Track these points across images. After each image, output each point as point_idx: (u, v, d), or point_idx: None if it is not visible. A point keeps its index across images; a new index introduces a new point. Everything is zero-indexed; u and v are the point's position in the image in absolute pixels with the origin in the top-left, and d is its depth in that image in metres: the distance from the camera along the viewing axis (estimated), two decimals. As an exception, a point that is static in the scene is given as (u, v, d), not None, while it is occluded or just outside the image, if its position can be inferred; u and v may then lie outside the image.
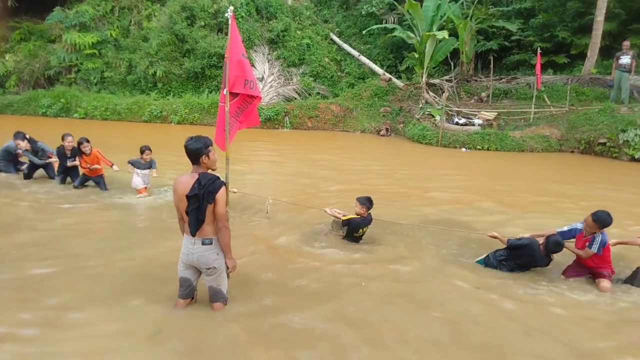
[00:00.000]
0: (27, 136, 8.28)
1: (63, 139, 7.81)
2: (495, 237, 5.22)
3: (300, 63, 19.17)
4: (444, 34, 14.75)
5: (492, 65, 16.71)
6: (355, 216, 5.61)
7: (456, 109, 15.69)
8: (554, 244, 4.76)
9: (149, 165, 7.56)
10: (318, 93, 18.52)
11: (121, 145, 11.40)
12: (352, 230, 5.61)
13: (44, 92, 18.91)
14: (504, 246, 5.04)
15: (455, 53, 17.52)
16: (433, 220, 6.69)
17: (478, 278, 4.78)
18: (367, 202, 5.64)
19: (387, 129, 16.07)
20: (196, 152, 3.57)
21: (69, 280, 4.44)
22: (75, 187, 7.76)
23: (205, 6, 18.94)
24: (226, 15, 4.32)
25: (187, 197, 3.51)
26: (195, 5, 19.05)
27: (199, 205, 3.51)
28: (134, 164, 7.42)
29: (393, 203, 7.49)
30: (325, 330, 3.67)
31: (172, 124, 17.19)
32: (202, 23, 18.92)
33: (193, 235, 3.60)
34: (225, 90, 4.40)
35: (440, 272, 4.93)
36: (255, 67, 18.66)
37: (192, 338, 3.51)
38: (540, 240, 4.91)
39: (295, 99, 18.12)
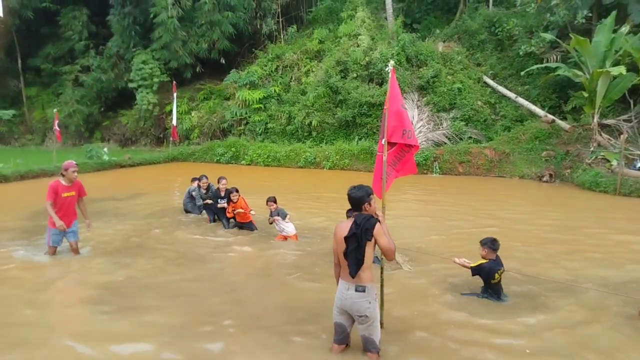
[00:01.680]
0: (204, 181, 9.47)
1: (219, 181, 8.77)
2: None
3: (450, 108, 18.82)
4: (621, 69, 13.12)
5: (684, 101, 14.20)
6: (483, 261, 5.16)
7: (638, 152, 13.56)
8: None
9: (277, 213, 7.88)
10: (470, 137, 17.83)
11: (279, 189, 12.41)
12: (488, 277, 5.12)
13: (219, 142, 21.75)
14: None
15: (635, 90, 15.35)
16: (614, 284, 5.72)
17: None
18: (490, 243, 5.19)
19: (550, 175, 14.59)
20: (359, 200, 3.79)
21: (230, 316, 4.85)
22: (225, 229, 8.61)
23: (358, 59, 20.02)
24: (387, 69, 4.47)
25: (346, 238, 3.66)
26: (349, 59, 20.29)
27: (358, 244, 3.63)
28: (272, 216, 7.90)
29: (562, 259, 6.64)
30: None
31: (325, 169, 18.14)
32: (354, 75, 19.98)
33: (353, 277, 3.67)
34: (383, 140, 4.50)
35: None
36: (404, 114, 18.84)
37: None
38: None
39: (445, 143, 17.71)
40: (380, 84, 19.56)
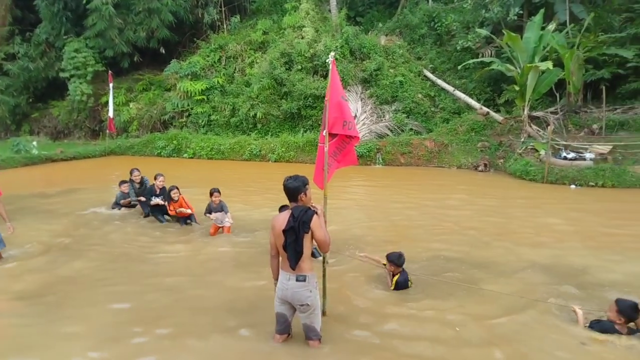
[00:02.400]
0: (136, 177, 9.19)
1: (155, 178, 8.59)
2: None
3: (393, 100, 19.27)
4: (548, 64, 13.94)
5: (604, 95, 15.38)
6: (396, 277, 5.44)
7: (563, 142, 14.56)
8: (631, 308, 4.06)
9: (220, 208, 7.87)
10: (411, 129, 18.37)
11: (224, 181, 12.20)
12: (405, 288, 5.43)
13: (159, 135, 21.01)
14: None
15: (561, 84, 16.44)
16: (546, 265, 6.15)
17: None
18: (396, 260, 5.41)
19: (485, 165, 15.36)
20: (295, 190, 3.80)
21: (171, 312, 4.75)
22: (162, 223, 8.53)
23: (302, 51, 19.98)
24: (327, 61, 4.51)
25: (284, 231, 3.68)
26: (293, 51, 20.20)
27: (296, 237, 3.67)
28: (208, 210, 7.86)
29: (493, 243, 7.05)
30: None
31: (270, 161, 18.03)
32: (299, 67, 19.93)
33: (293, 268, 3.71)
34: (324, 131, 4.54)
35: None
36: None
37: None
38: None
39: (388, 135, 18.14)
40: (325, 76, 19.64)
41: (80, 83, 22.79)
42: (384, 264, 5.56)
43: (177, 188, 8.18)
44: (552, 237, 7.62)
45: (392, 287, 5.43)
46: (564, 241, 7.39)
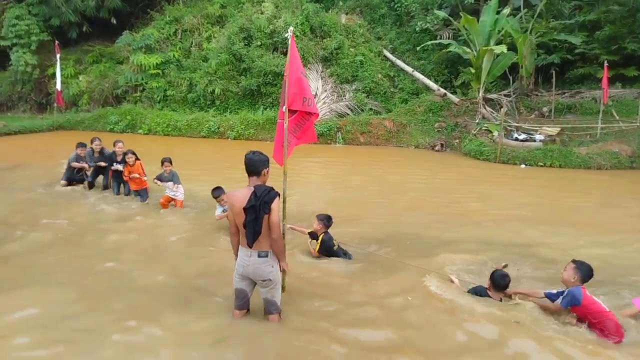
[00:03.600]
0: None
1: (114, 144, 8.49)
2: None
3: (353, 80, 19.28)
4: (502, 48, 14.36)
5: (553, 80, 16.04)
6: (320, 237, 5.66)
7: (515, 124, 15.15)
8: (500, 277, 4.35)
9: (170, 178, 7.79)
10: (371, 109, 18.51)
11: (181, 158, 11.89)
12: (329, 247, 5.66)
13: (112, 109, 20.15)
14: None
15: (514, 67, 17.01)
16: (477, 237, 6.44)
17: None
18: (325, 220, 5.71)
19: (442, 145, 15.76)
20: (259, 163, 3.72)
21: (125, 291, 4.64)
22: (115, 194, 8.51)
23: (262, 27, 19.55)
24: (286, 35, 4.44)
25: (245, 209, 3.59)
26: (253, 26, 19.72)
27: (256, 216, 3.59)
28: (159, 178, 7.80)
29: (436, 219, 7.32)
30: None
31: (229, 139, 17.73)
32: (259, 43, 19.51)
33: (250, 246, 3.67)
34: (284, 107, 4.50)
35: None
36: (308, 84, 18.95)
37: (253, 345, 3.61)
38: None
39: (348, 114, 18.21)
40: (285, 54, 19.27)
41: (24, 53, 21.38)
42: (309, 233, 5.81)
43: (134, 153, 8.09)
44: (496, 213, 7.99)
45: (317, 248, 5.64)
46: (505, 217, 7.77)
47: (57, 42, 19.52)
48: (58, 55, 19.05)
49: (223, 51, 19.75)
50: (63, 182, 9.01)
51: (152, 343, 3.65)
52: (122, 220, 7.18)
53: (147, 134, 18.72)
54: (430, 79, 19.11)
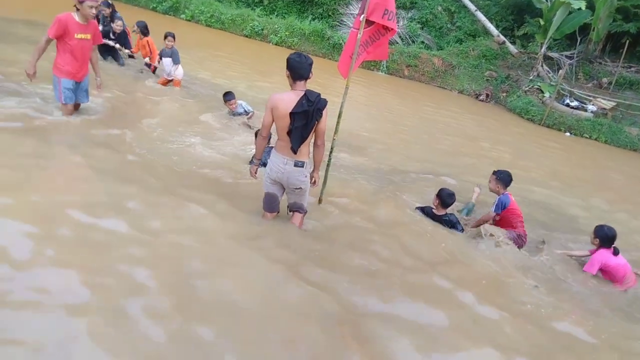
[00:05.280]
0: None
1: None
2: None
3: (410, 7, 18.14)
4: (581, 4, 13.20)
5: (624, 50, 14.91)
6: None
7: (570, 89, 14.34)
8: (447, 195, 4.67)
9: (170, 54, 7.62)
10: (422, 42, 17.58)
11: (216, 50, 11.61)
12: None
13: (157, -14, 19.35)
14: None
15: (585, 28, 15.75)
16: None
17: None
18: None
19: (487, 95, 15.12)
20: (309, 67, 3.47)
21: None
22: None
23: None
24: None
25: (292, 114, 3.40)
26: None
27: (307, 122, 3.43)
28: (160, 54, 7.69)
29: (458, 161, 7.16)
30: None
31: (270, 43, 17.14)
32: (321, -56, 18.16)
33: (295, 152, 3.53)
34: (362, 16, 4.18)
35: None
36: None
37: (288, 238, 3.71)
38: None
39: (397, 43, 17.35)
40: (346, -37, 18.09)
41: None
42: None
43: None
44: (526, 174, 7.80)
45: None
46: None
47: None
48: None
49: (283, -54, 18.48)
50: None
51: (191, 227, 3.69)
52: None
53: (189, 20, 18.10)
54: (492, 23, 17.88)
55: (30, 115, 5.04)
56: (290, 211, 3.94)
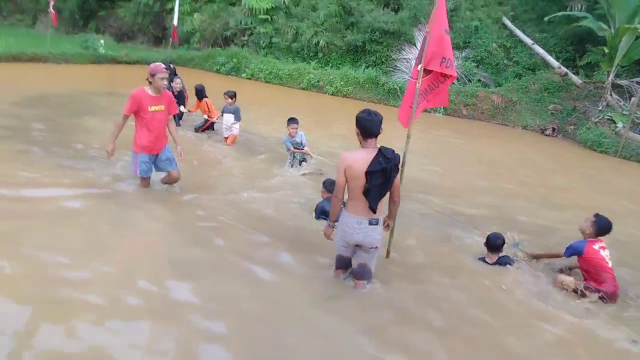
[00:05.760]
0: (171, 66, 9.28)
1: (172, 80, 8.55)
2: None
3: (464, 46, 18.12)
4: (648, 28, 12.58)
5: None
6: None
7: (645, 117, 13.44)
8: (494, 239, 4.59)
9: (232, 111, 7.94)
10: (479, 80, 17.38)
11: (277, 105, 12.11)
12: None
13: (220, 50, 20.80)
14: None
15: (655, 52, 14.89)
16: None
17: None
18: (328, 185, 5.27)
19: (554, 129, 14.50)
20: (380, 123, 3.48)
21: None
22: None
23: (377, -21, 18.82)
24: (436, -13, 4.11)
25: (369, 173, 3.37)
26: (367, -23, 19.04)
27: (385, 180, 3.40)
28: (222, 110, 8.12)
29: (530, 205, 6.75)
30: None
31: (327, 94, 17.67)
32: (371, -4, 18.87)
33: (374, 212, 3.50)
34: (419, 66, 4.26)
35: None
36: (416, 46, 18.15)
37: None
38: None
39: (453, 83, 17.24)
40: (396, 10, 18.59)
41: (148, -15, 22.57)
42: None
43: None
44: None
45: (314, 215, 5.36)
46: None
47: (178, -23, 20.25)
48: (178, -9, 19.80)
49: (333, 2, 19.36)
50: None
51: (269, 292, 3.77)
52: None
53: (249, 78, 19.19)
54: (551, 55, 17.40)
55: (107, 182, 5.47)
56: (356, 278, 3.84)
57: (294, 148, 7.07)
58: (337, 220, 3.75)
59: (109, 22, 25.88)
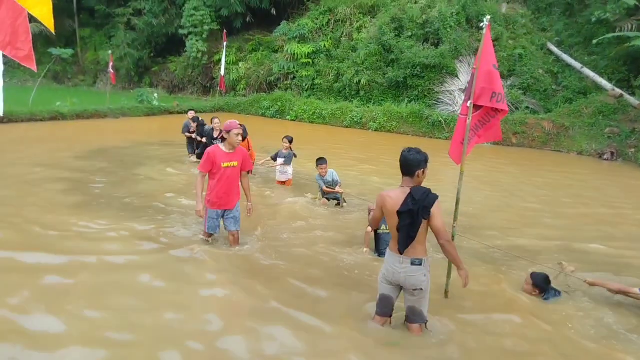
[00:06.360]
0: (199, 119, 10.04)
1: (212, 121, 9.09)
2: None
3: (509, 75, 17.85)
4: None
5: None
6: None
7: None
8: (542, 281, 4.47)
9: (287, 156, 7.92)
10: (527, 107, 16.97)
11: (321, 145, 12.25)
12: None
13: (265, 95, 21.60)
14: None
15: None
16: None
17: None
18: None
19: (612, 153, 13.80)
20: (416, 163, 3.38)
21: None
22: None
23: (414, 17, 19.13)
24: (482, 25, 4.13)
25: (399, 213, 3.32)
26: (405, 16, 19.40)
27: (412, 221, 3.30)
28: (276, 155, 8.08)
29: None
30: None
31: (370, 130, 17.80)
32: (409, 33, 19.14)
33: (401, 253, 3.41)
34: (468, 102, 4.23)
35: None
36: (458, 78, 18.09)
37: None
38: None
39: (500, 112, 16.91)
40: (436, 45, 18.70)
41: (197, 40, 24.02)
42: None
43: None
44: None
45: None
46: None
47: (224, 31, 21.51)
48: (225, 43, 20.98)
49: (372, 41, 19.81)
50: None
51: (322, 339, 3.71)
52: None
53: (294, 120, 19.70)
54: (602, 77, 16.79)
55: (171, 233, 5.63)
56: (408, 322, 3.67)
57: (327, 187, 7.16)
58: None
59: (161, 76, 27.66)
